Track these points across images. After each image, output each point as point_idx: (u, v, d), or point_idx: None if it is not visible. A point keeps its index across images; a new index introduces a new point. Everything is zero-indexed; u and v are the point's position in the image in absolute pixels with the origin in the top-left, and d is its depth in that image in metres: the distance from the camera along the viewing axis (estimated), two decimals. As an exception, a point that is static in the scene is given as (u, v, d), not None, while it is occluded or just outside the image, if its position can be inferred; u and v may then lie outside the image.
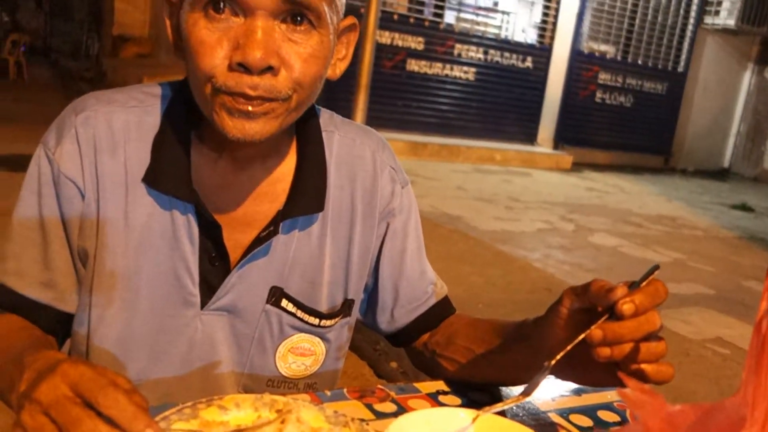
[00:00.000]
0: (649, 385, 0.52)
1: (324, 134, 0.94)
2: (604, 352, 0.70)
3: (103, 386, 0.57)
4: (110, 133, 0.85)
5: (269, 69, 0.74)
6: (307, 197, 0.90)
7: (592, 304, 0.73)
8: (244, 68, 0.73)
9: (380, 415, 0.81)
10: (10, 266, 0.86)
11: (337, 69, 0.87)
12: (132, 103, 0.87)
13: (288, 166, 0.91)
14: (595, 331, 0.69)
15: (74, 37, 16.87)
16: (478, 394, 0.91)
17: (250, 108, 0.75)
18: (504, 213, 6.12)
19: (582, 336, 0.71)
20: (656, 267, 0.74)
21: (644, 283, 0.71)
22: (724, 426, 0.47)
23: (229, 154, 0.87)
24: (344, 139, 0.97)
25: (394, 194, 0.99)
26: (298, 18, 0.75)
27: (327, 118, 0.97)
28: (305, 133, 0.92)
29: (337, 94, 7.65)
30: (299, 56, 0.76)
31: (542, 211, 6.46)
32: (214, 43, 0.74)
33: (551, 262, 4.66)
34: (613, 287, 0.70)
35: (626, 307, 0.68)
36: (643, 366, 0.71)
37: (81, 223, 0.85)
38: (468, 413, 0.74)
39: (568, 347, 0.72)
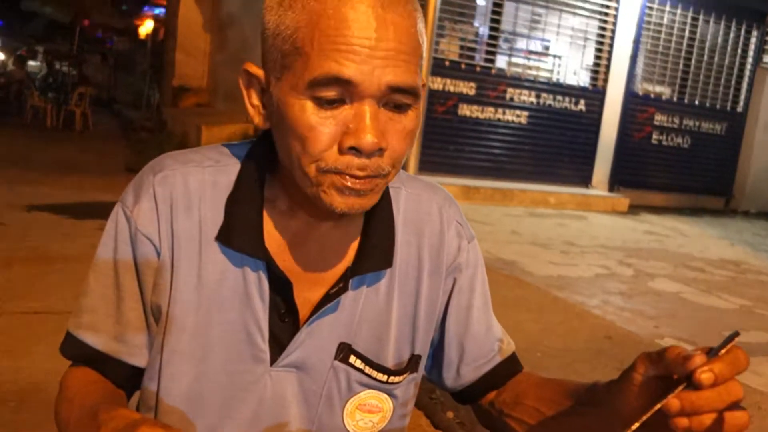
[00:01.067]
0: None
1: (391, 191, 0.95)
2: (682, 423, 0.66)
3: None
4: (186, 192, 0.87)
5: (379, 150, 0.77)
6: (375, 254, 0.90)
7: (668, 372, 0.70)
8: (356, 151, 0.76)
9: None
10: (85, 320, 0.89)
11: None
12: (207, 162, 0.90)
13: (357, 223, 0.93)
14: (673, 401, 0.66)
15: (136, 89, 17.58)
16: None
17: (359, 186, 0.78)
18: (560, 258, 6.01)
19: (659, 406, 0.68)
20: (736, 334, 0.71)
21: (723, 351, 0.68)
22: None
23: (302, 213, 0.89)
24: (411, 195, 0.98)
25: (461, 249, 0.99)
26: (400, 100, 0.77)
27: None
28: None
29: (389, 140, 7.70)
30: (400, 135, 0.79)
31: (599, 255, 6.32)
32: (324, 128, 0.76)
33: (610, 309, 4.54)
34: (691, 355, 0.67)
35: (705, 377, 0.65)
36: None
37: (155, 280, 0.87)
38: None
39: (644, 417, 0.69)
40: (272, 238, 0.89)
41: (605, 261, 6.10)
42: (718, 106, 11.38)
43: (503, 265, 5.34)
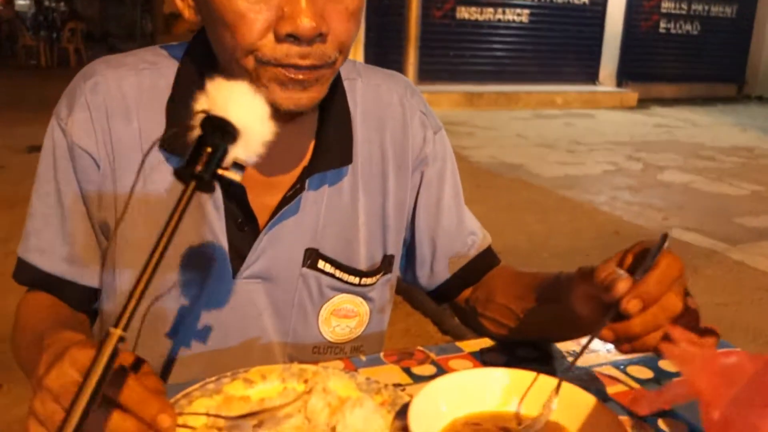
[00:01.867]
0: (697, 336, 0.45)
1: (346, 83, 0.88)
2: (625, 348, 0.63)
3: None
4: (122, 99, 0.81)
5: (319, 35, 0.70)
6: (333, 151, 0.85)
7: (599, 296, 0.65)
8: (294, 38, 0.69)
9: (418, 379, 0.77)
10: (32, 243, 0.85)
11: None
12: (142, 65, 0.83)
13: (312, 121, 0.86)
14: (606, 333, 0.62)
15: (128, 20, 17.19)
16: (523, 350, 0.85)
17: (302, 77, 0.71)
18: (567, 157, 5.94)
19: (590, 340, 0.64)
20: (664, 238, 0.65)
21: (652, 265, 0.62)
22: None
23: None
24: (368, 86, 0.91)
25: (426, 141, 0.93)
26: None
27: (348, 65, 0.91)
28: None
29: (386, 49, 7.55)
30: (342, 15, 0.72)
31: (607, 152, 6.23)
32: (254, 15, 0.69)
33: (619, 205, 4.49)
34: (616, 279, 0.61)
35: (631, 305, 0.60)
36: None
37: (99, 195, 0.82)
38: (505, 372, 0.69)
39: (577, 357, 0.66)
40: None
41: (613, 157, 6.01)
42: (727, -12, 10.95)
43: (509, 169, 5.28)
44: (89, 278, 0.86)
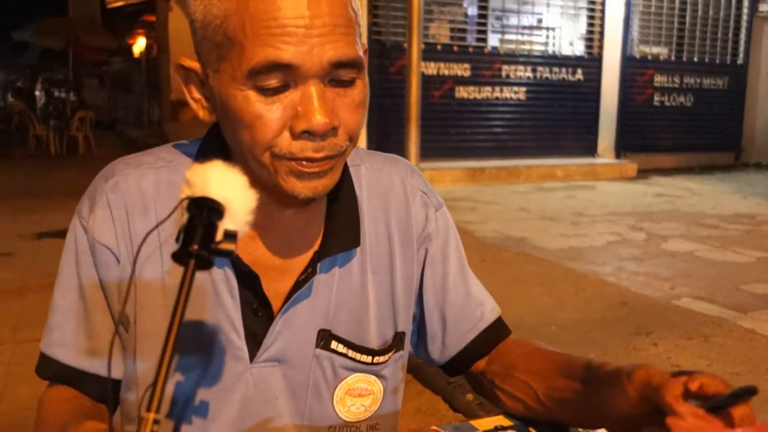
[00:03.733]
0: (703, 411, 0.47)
1: (351, 169, 0.93)
2: None
3: None
4: (141, 195, 0.85)
5: (332, 129, 0.75)
6: (342, 234, 0.88)
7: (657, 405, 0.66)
8: (309, 134, 0.74)
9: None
10: (55, 338, 0.87)
11: None
12: (160, 163, 0.88)
13: (320, 207, 0.90)
14: None
15: (136, 108, 17.65)
16: (540, 428, 0.86)
17: (317, 169, 0.76)
18: (570, 229, 5.97)
19: None
20: (751, 391, 0.62)
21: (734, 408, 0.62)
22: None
23: (262, 204, 0.86)
24: (371, 171, 0.95)
25: (429, 219, 0.96)
26: (344, 75, 0.75)
27: (352, 152, 0.96)
28: None
29: (388, 129, 7.71)
30: (350, 108, 0.77)
31: (610, 223, 6.27)
32: (271, 115, 0.74)
33: (624, 275, 4.49)
34: (681, 405, 0.62)
35: None
36: None
37: (119, 288, 0.85)
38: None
39: None
40: None
41: (616, 228, 6.04)
42: (717, 61, 11.24)
43: (513, 243, 5.31)
44: (112, 371, 0.88)
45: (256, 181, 0.81)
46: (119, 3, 14.73)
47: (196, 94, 0.82)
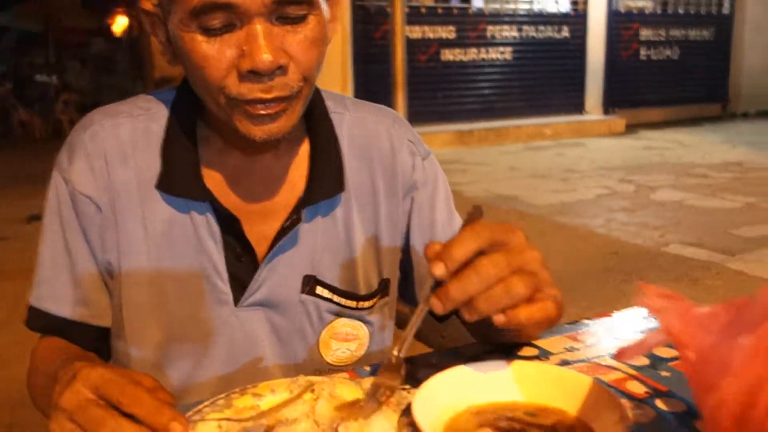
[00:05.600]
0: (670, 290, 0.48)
1: (333, 116, 0.93)
2: (466, 315, 0.63)
3: (124, 385, 0.57)
4: (119, 144, 0.86)
5: (279, 68, 0.74)
6: (325, 181, 0.89)
7: None
8: (255, 74, 0.73)
9: (421, 382, 0.79)
10: (44, 290, 0.88)
11: (329, 32, 0.83)
12: (137, 111, 0.88)
13: (301, 153, 0.91)
14: (433, 301, 0.63)
15: (120, 88, 17.46)
16: (523, 350, 0.88)
17: (269, 111, 0.76)
18: (560, 185, 5.99)
19: (421, 311, 0.66)
20: (476, 208, 0.66)
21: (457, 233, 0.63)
22: (758, 315, 0.43)
23: (238, 147, 0.87)
24: (355, 119, 0.95)
25: (415, 167, 0.96)
26: (293, 11, 0.74)
27: (336, 100, 0.96)
28: (313, 117, 0.90)
29: (375, 94, 7.65)
30: (302, 46, 0.75)
31: (600, 177, 6.29)
32: (218, 55, 0.73)
33: (615, 226, 4.53)
34: (427, 248, 0.64)
35: (435, 268, 0.61)
36: (500, 316, 0.63)
37: (101, 237, 0.86)
38: (504, 364, 0.71)
39: (412, 328, 0.68)
40: (212, 178, 0.87)
41: (606, 182, 6.07)
42: (703, 12, 11.18)
43: (504, 201, 5.33)
44: (101, 319, 0.89)
45: (225, 126, 0.81)
46: (97, -18, 14.47)
47: (162, 38, 0.82)
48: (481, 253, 0.62)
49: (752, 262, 3.65)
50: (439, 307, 0.62)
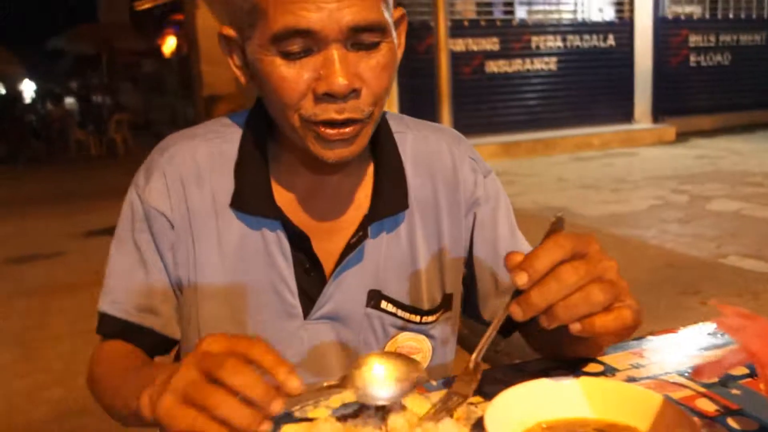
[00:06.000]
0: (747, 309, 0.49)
1: (396, 136, 0.96)
2: (543, 321, 0.64)
3: (251, 345, 0.61)
4: (195, 166, 0.90)
5: (353, 92, 0.78)
6: (390, 198, 0.92)
7: None
8: (330, 96, 0.77)
9: (489, 396, 0.80)
10: (113, 297, 0.92)
11: (398, 57, 0.87)
12: (211, 135, 0.93)
13: (366, 172, 0.94)
14: (513, 308, 0.64)
15: (170, 107, 17.89)
16: (588, 366, 0.88)
17: (341, 136, 0.80)
18: (611, 196, 5.91)
19: (501, 316, 0.67)
20: (558, 220, 0.67)
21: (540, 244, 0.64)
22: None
23: (308, 167, 0.90)
24: (418, 138, 0.99)
25: (477, 184, 0.99)
26: (367, 39, 0.78)
27: (397, 120, 1.00)
28: (378, 138, 0.94)
29: (420, 107, 7.67)
30: (374, 71, 0.79)
31: (651, 187, 6.18)
32: (296, 78, 0.78)
33: (669, 237, 4.44)
34: (508, 257, 0.65)
35: (517, 278, 0.62)
36: (576, 324, 0.64)
37: (173, 253, 0.90)
38: (573, 380, 0.71)
39: (490, 332, 0.70)
40: (283, 196, 0.91)
41: (658, 192, 5.96)
42: (754, 16, 10.92)
43: (553, 213, 5.23)
44: (168, 329, 0.93)
45: (297, 147, 0.85)
46: (147, 5, 14.90)
47: (237, 62, 0.86)
48: (559, 263, 0.63)
49: (815, 272, 3.54)
50: (519, 314, 0.63)
